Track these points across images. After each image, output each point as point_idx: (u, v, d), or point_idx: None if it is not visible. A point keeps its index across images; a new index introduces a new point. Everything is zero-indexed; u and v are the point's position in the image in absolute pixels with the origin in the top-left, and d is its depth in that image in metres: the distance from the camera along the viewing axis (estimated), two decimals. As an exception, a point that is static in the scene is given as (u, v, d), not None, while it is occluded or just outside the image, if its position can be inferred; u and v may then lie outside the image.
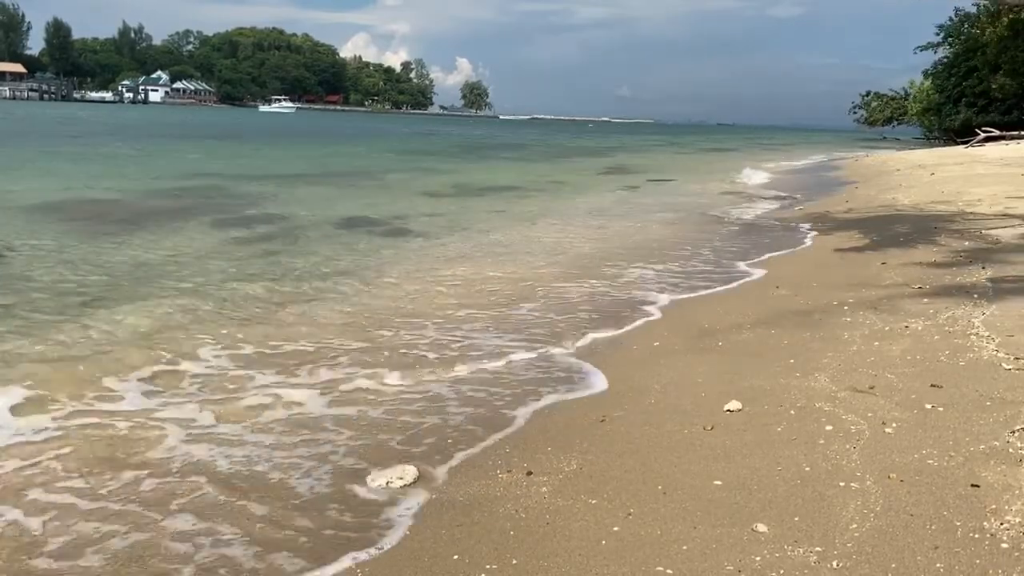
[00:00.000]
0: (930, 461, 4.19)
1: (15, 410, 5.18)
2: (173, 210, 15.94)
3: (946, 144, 49.41)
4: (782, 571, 3.27)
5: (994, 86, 46.79)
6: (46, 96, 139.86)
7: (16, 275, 9.30)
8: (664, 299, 9.05)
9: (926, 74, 59.22)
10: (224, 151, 37.06)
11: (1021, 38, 42.90)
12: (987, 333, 6.43)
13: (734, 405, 5.23)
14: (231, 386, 5.86)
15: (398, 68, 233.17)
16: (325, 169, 28.81)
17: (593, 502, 4.00)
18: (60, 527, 3.82)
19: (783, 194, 23.25)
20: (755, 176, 30.58)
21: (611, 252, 12.43)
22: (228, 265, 10.44)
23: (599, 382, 6.09)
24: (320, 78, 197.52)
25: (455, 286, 9.63)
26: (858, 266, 10.39)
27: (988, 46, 45.73)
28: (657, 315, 8.36)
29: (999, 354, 5.87)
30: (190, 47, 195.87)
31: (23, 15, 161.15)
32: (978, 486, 3.87)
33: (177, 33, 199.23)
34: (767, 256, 11.98)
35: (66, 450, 4.66)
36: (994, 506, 3.67)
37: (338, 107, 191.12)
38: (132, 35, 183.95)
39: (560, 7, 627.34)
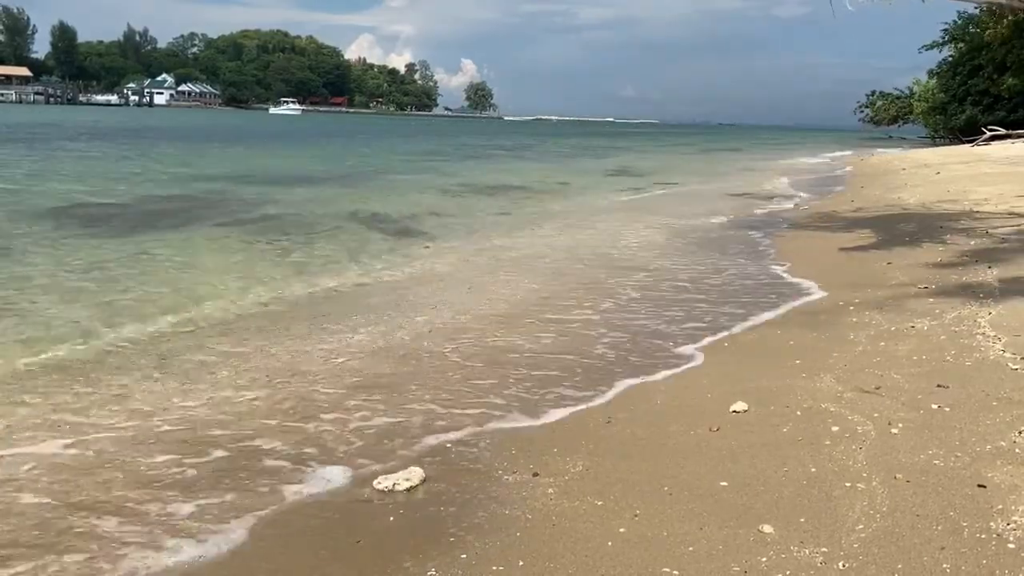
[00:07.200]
0: (936, 462, 4.19)
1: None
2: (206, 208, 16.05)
3: (952, 143, 49.22)
4: (788, 572, 3.27)
5: (1002, 88, 46.62)
6: (51, 100, 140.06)
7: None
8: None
9: (931, 73, 58.96)
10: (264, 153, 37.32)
11: (1026, 38, 42.77)
12: (993, 333, 6.42)
13: (740, 406, 5.23)
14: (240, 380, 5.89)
15: (402, 70, 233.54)
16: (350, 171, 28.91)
17: (599, 503, 4.00)
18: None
19: (788, 194, 23.23)
20: (760, 176, 30.54)
21: (612, 253, 12.44)
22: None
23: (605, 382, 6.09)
24: (325, 80, 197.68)
25: (459, 298, 9.65)
26: (864, 266, 10.38)
27: (992, 46, 45.56)
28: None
29: (1005, 354, 5.86)
30: (195, 50, 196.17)
31: (28, 19, 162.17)
32: (985, 486, 3.86)
33: (182, 36, 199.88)
34: (772, 256, 11.97)
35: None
36: (1000, 506, 3.67)
37: (343, 109, 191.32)
38: (137, 38, 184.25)
39: (564, 8, 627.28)
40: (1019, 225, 12.62)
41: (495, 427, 5.19)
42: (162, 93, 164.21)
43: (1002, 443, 4.35)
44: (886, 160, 36.96)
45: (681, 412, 5.30)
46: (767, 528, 3.62)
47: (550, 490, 4.18)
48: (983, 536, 3.44)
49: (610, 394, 5.81)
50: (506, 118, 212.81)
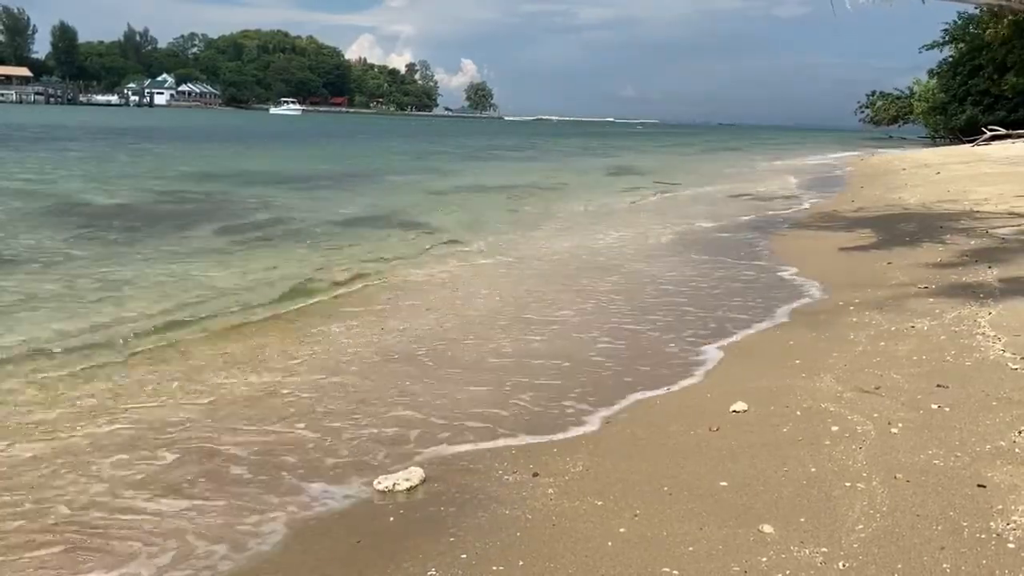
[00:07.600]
0: (936, 461, 4.19)
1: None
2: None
3: (952, 143, 49.25)
4: (788, 572, 3.27)
5: (1005, 87, 46.68)
6: (52, 100, 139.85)
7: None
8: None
9: (931, 73, 59.00)
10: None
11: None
12: (993, 333, 6.42)
13: (740, 406, 5.23)
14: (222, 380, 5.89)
15: (402, 70, 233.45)
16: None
17: (599, 503, 4.00)
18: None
19: (788, 194, 23.23)
20: (760, 176, 30.53)
21: (613, 255, 12.44)
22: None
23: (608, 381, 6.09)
24: (325, 80, 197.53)
25: (462, 299, 9.65)
26: (864, 266, 10.39)
27: (992, 46, 45.65)
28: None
29: (1005, 354, 5.86)
30: (195, 50, 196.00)
31: (28, 19, 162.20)
32: (984, 486, 3.87)
33: (182, 36, 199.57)
34: (773, 257, 11.96)
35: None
36: (1000, 506, 3.67)
37: (343, 109, 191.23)
38: (137, 38, 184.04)
39: (564, 8, 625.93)
40: (1019, 225, 12.62)
41: (497, 426, 5.18)
42: (162, 93, 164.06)
43: (1002, 443, 4.35)
44: (886, 160, 36.96)
45: (681, 412, 5.30)
46: (767, 528, 3.63)
47: (550, 490, 4.18)
48: (983, 536, 3.44)
49: (622, 404, 5.65)
50: (506, 118, 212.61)
